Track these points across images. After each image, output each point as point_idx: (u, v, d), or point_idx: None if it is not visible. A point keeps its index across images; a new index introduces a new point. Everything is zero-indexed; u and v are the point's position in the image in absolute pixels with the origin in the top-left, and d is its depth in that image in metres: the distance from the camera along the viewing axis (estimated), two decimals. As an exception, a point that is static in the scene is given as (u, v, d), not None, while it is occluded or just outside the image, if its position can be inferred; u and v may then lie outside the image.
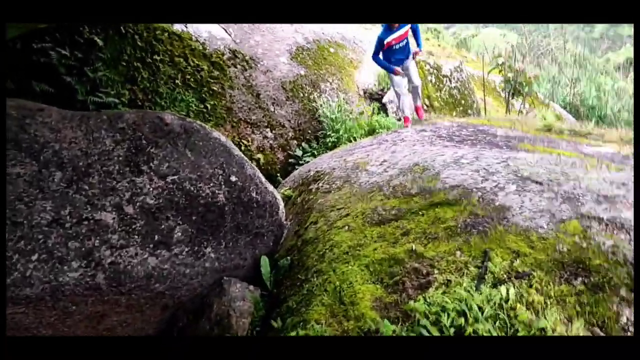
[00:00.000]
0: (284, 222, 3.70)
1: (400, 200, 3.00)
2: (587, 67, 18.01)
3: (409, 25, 5.56)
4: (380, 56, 5.72)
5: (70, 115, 2.94)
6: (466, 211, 2.61)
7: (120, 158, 2.97)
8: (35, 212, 2.65)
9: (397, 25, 5.45)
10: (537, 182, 2.73)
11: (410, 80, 5.90)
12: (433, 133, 4.92)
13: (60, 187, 2.74)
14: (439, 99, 7.73)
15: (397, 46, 5.59)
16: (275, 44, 7.07)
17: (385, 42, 5.56)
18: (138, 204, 2.94)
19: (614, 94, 14.75)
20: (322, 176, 4.27)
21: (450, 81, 8.14)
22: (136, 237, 2.89)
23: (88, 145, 2.90)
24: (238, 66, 6.36)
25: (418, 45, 5.80)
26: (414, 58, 5.82)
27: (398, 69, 5.71)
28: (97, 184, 2.84)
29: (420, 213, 2.78)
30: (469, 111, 8.15)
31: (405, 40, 5.62)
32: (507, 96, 8.40)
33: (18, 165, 2.66)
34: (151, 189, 2.99)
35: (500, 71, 8.41)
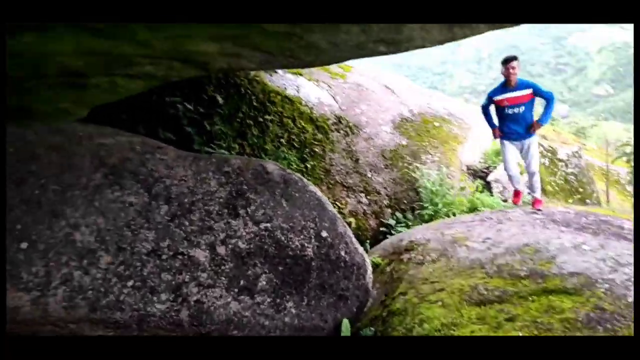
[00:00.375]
0: (370, 289, 3.48)
1: (505, 281, 2.65)
2: None
3: (530, 90, 4.54)
4: (492, 111, 4.90)
5: (185, 155, 3.17)
6: (590, 303, 2.21)
7: (221, 200, 3.08)
8: (139, 240, 2.80)
9: (513, 82, 4.54)
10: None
11: (527, 165, 4.89)
12: (546, 216, 4.44)
13: (164, 219, 2.89)
14: (553, 183, 7.10)
15: (510, 110, 4.63)
16: (380, 114, 7.20)
17: (494, 98, 4.76)
18: (230, 246, 2.97)
19: None
20: (415, 247, 4.02)
21: (567, 166, 7.50)
22: (223, 278, 2.89)
23: (195, 184, 3.07)
24: (341, 131, 6.54)
25: (541, 117, 4.60)
26: (532, 131, 4.66)
27: (497, 129, 4.87)
28: (197, 221, 2.95)
29: (530, 298, 2.42)
30: (587, 200, 7.35)
31: (524, 107, 4.58)
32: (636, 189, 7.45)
33: (133, 195, 2.88)
34: (244, 233, 3.03)
35: (627, 162, 7.57)
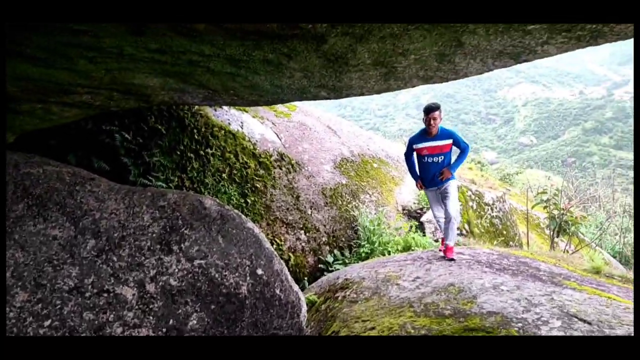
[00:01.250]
0: (304, 327, 3.48)
1: (431, 320, 2.78)
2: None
3: (451, 140, 4.49)
4: (415, 159, 4.76)
5: (117, 188, 3.08)
6: (504, 342, 2.36)
7: (154, 235, 3.00)
8: (60, 276, 2.64)
9: (433, 132, 4.45)
10: (585, 321, 2.47)
11: (445, 210, 4.68)
12: (471, 257, 4.72)
13: (90, 254, 2.76)
14: (479, 226, 7.57)
15: (430, 159, 4.55)
16: (321, 153, 7.40)
17: (414, 146, 4.63)
18: (161, 283, 2.88)
19: (671, 250, 13.91)
20: (350, 285, 4.09)
21: (492, 210, 8.04)
22: (151, 317, 2.78)
23: (127, 218, 2.98)
24: (283, 168, 6.63)
25: (452, 165, 4.56)
26: (441, 178, 4.52)
27: (420, 182, 4.75)
28: (126, 257, 2.84)
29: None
30: (511, 243, 7.88)
31: (444, 156, 4.52)
32: (551, 233, 8.12)
33: (57, 227, 2.74)
34: (176, 270, 2.95)
35: (545, 207, 8.26)
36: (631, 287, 4.49)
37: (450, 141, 4.49)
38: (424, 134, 4.56)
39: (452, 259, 4.49)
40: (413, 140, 4.67)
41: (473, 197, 7.87)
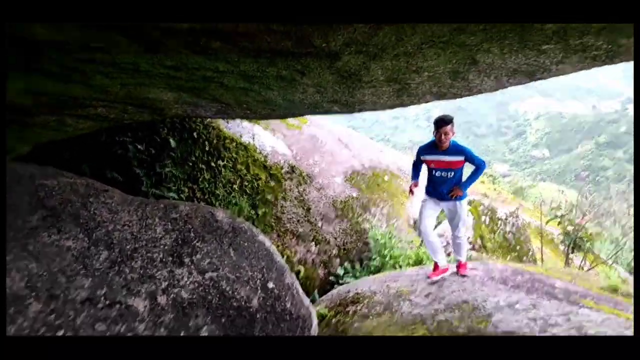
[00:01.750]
0: (315, 343, 3.45)
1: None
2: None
3: (462, 157, 4.10)
4: (425, 171, 4.35)
5: (130, 200, 3.11)
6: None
7: (166, 247, 3.01)
8: (74, 287, 2.65)
9: (445, 146, 4.06)
10: (604, 343, 2.41)
11: (452, 229, 4.41)
12: (485, 273, 4.65)
13: (103, 266, 2.78)
14: (492, 241, 7.48)
15: (438, 173, 4.18)
16: (332, 165, 7.41)
17: (421, 157, 4.30)
18: (172, 295, 2.88)
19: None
20: (361, 299, 4.06)
21: (505, 225, 7.95)
22: (162, 330, 2.77)
23: (140, 229, 3.00)
24: (294, 180, 6.64)
25: (465, 183, 4.18)
26: (451, 195, 4.16)
27: (413, 185, 4.34)
28: (138, 269, 2.85)
29: (466, 357, 2.49)
30: (524, 258, 7.76)
31: (454, 173, 4.14)
32: (566, 249, 7.98)
33: (71, 239, 2.76)
34: (188, 283, 2.95)
35: (559, 223, 8.14)
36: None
37: (461, 158, 4.10)
38: (434, 146, 4.17)
39: (465, 275, 4.29)
40: (421, 151, 4.32)
41: (486, 211, 7.79)
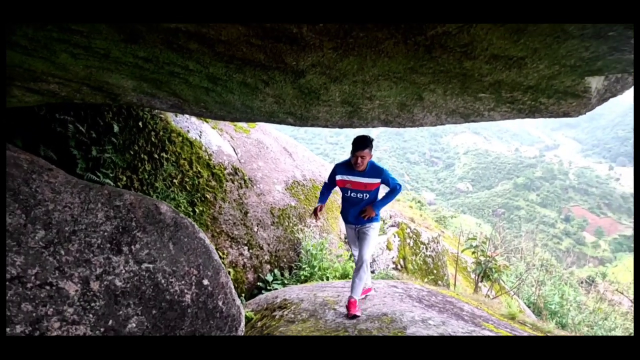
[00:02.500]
0: (241, 342, 3.56)
1: (364, 345, 2.99)
2: (552, 273, 18.94)
3: (379, 180, 3.98)
4: (339, 190, 4.17)
5: (75, 182, 3.07)
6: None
7: (106, 233, 3.00)
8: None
9: (361, 167, 3.90)
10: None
11: (359, 253, 4.08)
12: (404, 291, 5.03)
13: (38, 245, 2.72)
14: (414, 262, 7.99)
15: (353, 194, 4.03)
16: (275, 173, 7.55)
17: (336, 177, 4.10)
18: (105, 282, 2.88)
19: (576, 306, 15.24)
20: (289, 305, 4.23)
21: (427, 249, 8.53)
22: (91, 316, 2.76)
23: (80, 213, 2.96)
24: (236, 182, 6.70)
25: (378, 203, 4.03)
26: (363, 216, 4.01)
27: (318, 209, 4.13)
28: (75, 252, 2.82)
29: (381, 362, 2.75)
30: (439, 282, 8.36)
31: (368, 194, 4.01)
32: (476, 277, 8.73)
33: (8, 214, 2.68)
34: (123, 271, 2.96)
35: (473, 253, 8.89)
36: (541, 334, 4.99)
37: (378, 180, 3.98)
38: (351, 166, 3.98)
39: (355, 316, 3.71)
40: (337, 170, 4.12)
41: (411, 234, 8.32)
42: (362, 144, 3.84)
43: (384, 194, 4.09)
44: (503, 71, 2.29)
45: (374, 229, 4.08)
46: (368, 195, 4.03)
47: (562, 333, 5.35)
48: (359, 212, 4.05)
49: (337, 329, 3.39)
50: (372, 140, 3.94)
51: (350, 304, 3.78)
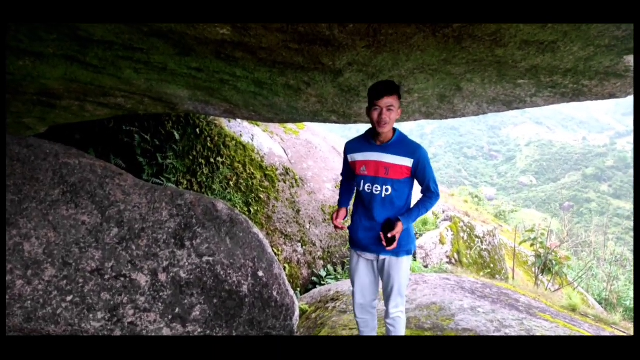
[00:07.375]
0: (296, 331, 3.76)
1: (412, 331, 3.07)
2: (627, 268, 17.69)
3: (411, 161, 2.48)
4: (362, 185, 2.59)
5: (142, 184, 3.41)
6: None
7: (170, 230, 3.31)
8: (85, 258, 2.94)
9: (384, 134, 2.50)
10: (549, 345, 2.77)
11: (384, 290, 2.80)
12: (456, 284, 5.01)
13: (112, 241, 3.07)
14: (468, 257, 7.86)
15: (368, 186, 2.56)
16: (324, 172, 7.75)
17: (349, 156, 2.70)
18: (172, 274, 3.18)
19: (655, 302, 14.13)
20: (341, 297, 4.38)
21: (482, 242, 8.35)
22: (160, 304, 3.07)
23: (148, 212, 3.29)
24: (287, 182, 6.97)
25: (408, 214, 2.51)
26: (386, 244, 2.43)
27: (340, 212, 2.81)
28: (144, 247, 3.15)
29: (429, 348, 2.83)
30: (497, 276, 8.16)
31: (392, 187, 2.50)
32: (536, 270, 8.42)
33: (87, 214, 3.06)
34: (187, 264, 3.25)
35: (531, 245, 8.58)
36: (604, 326, 4.78)
37: (409, 162, 2.48)
38: (368, 139, 2.62)
39: None
40: (347, 148, 2.73)
41: (465, 228, 8.19)
42: (388, 87, 2.43)
43: (415, 203, 2.59)
44: (537, 56, 2.30)
45: (400, 265, 2.59)
46: (392, 190, 2.50)
47: (630, 326, 5.09)
48: (383, 228, 2.47)
49: (386, 317, 3.49)
50: (400, 85, 2.62)
51: None
